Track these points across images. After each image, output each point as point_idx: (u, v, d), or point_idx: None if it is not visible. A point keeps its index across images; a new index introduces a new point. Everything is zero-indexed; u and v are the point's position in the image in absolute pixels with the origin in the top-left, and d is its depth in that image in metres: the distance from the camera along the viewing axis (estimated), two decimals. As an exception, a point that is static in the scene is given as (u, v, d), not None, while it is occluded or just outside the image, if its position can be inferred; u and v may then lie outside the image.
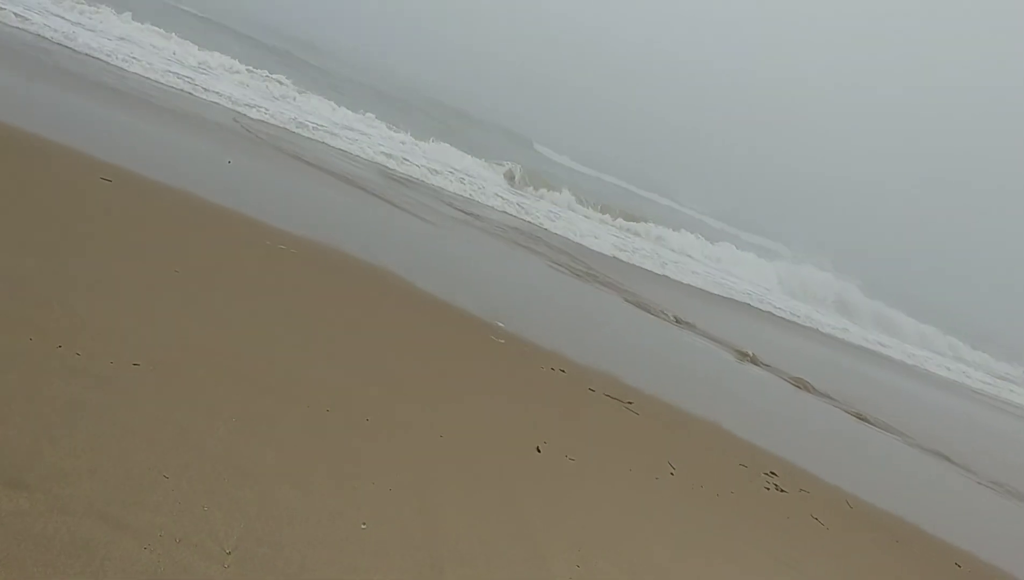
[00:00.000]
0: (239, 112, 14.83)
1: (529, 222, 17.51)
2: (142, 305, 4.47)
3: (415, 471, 3.99)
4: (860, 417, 10.64)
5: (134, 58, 14.85)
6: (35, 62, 11.38)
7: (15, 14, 13.56)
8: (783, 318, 20.44)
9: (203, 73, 16.71)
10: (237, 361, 4.31)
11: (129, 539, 2.72)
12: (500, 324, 7.26)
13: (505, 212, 17.60)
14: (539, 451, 4.89)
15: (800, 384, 11.13)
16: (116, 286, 4.57)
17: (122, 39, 16.02)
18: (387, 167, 16.26)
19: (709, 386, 9.18)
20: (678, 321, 12.30)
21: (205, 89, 15.26)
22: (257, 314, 5.12)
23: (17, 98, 8.57)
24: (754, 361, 11.54)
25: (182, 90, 14.55)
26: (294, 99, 18.73)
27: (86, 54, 13.86)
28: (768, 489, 6.00)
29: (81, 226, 5.29)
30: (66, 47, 13.65)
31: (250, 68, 19.11)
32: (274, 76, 19.59)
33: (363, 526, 3.37)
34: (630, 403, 6.55)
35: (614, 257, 17.89)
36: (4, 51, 11.22)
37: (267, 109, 16.04)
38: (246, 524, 3.05)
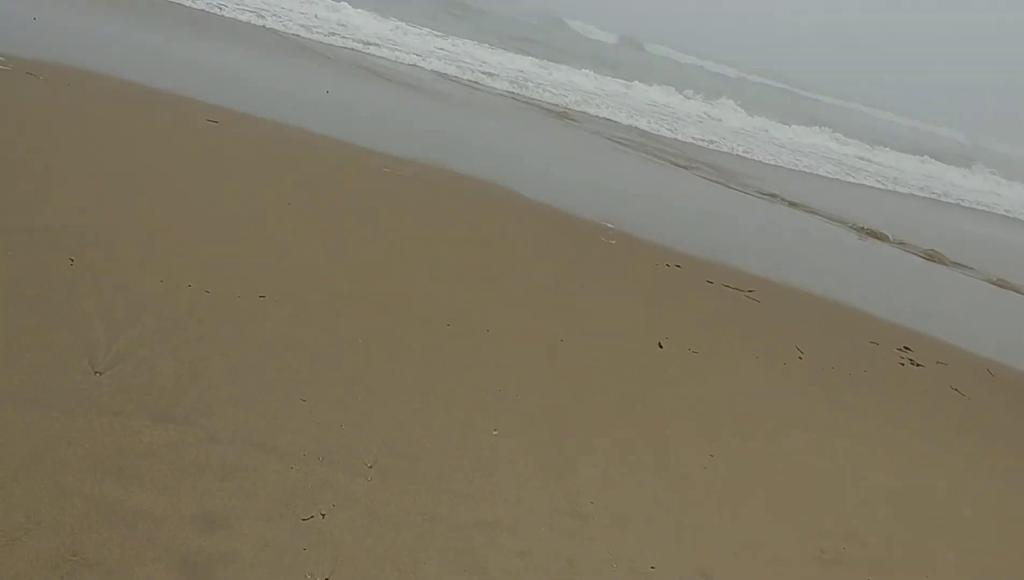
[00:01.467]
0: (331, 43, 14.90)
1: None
2: (261, 239, 4.60)
3: (540, 377, 4.03)
4: (1001, 283, 10.13)
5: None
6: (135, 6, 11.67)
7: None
8: (915, 195, 19.49)
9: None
10: (357, 284, 4.41)
11: (276, 461, 2.85)
12: (609, 225, 7.17)
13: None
14: (661, 347, 4.85)
15: (933, 256, 10.65)
16: (235, 223, 4.72)
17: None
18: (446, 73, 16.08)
19: (833, 266, 8.88)
20: (791, 204, 11.89)
21: (276, 17, 15.35)
22: (369, 238, 5.20)
23: (118, 48, 8.82)
24: (878, 236, 11.08)
25: (258, 25, 14.69)
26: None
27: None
28: (903, 365, 5.80)
29: (192, 169, 5.46)
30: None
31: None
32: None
33: (495, 433, 3.44)
34: (751, 291, 6.41)
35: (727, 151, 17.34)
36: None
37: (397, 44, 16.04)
38: (383, 439, 3.16)
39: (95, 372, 3.00)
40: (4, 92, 5.90)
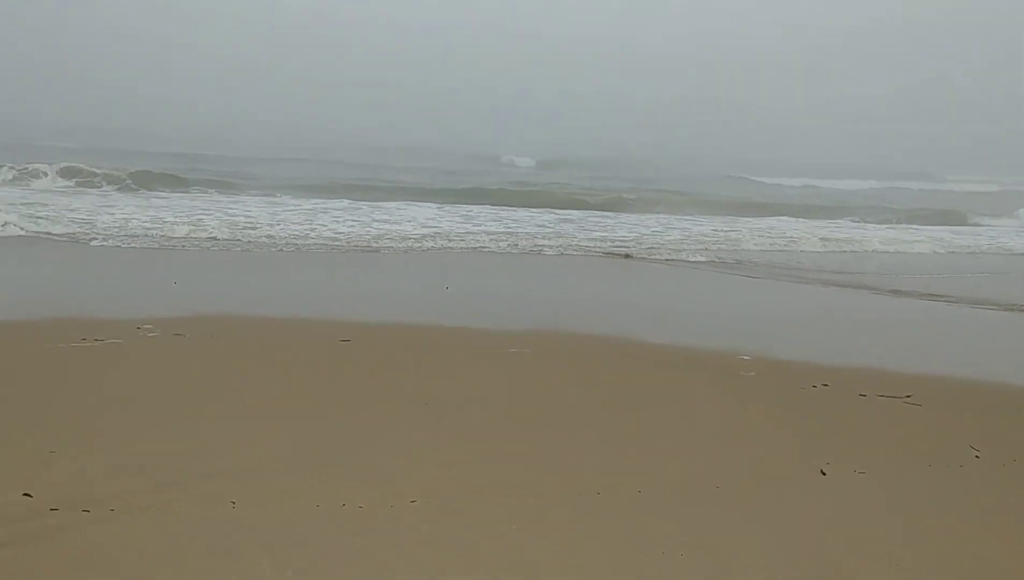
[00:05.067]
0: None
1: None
2: (405, 446, 4.76)
3: (700, 530, 3.89)
4: None
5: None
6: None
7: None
8: None
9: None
10: (500, 470, 4.46)
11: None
12: (744, 357, 7.02)
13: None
14: (824, 474, 4.63)
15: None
16: (376, 434, 4.91)
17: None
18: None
19: (995, 349, 8.36)
20: (927, 296, 11.35)
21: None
22: (507, 417, 5.29)
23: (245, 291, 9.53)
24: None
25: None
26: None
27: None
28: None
29: (330, 388, 5.75)
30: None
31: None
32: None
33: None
34: (908, 396, 6.09)
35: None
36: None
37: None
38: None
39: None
40: (154, 354, 6.42)
